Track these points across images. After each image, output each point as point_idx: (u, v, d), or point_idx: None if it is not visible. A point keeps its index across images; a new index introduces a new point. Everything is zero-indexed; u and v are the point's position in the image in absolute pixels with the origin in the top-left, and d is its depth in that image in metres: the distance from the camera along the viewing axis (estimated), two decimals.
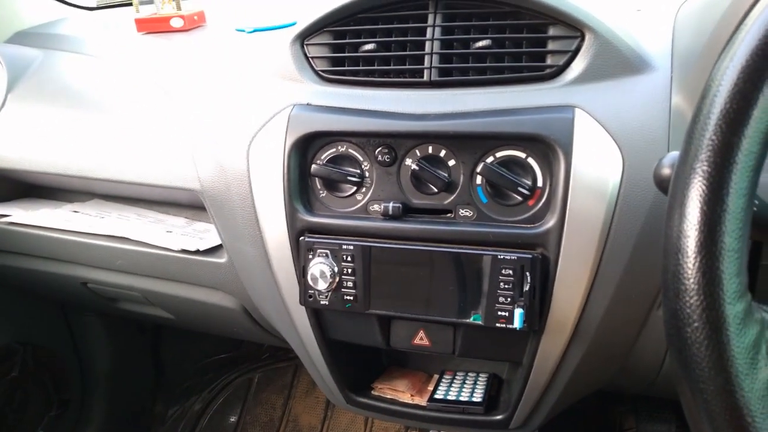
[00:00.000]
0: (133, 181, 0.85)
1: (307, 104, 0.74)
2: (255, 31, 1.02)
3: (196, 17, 1.10)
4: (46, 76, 1.01)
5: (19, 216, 0.97)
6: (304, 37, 0.76)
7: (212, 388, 1.63)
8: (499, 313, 0.68)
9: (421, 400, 0.84)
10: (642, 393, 1.00)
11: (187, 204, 0.94)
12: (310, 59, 0.76)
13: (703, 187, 0.35)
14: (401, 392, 0.86)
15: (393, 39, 0.72)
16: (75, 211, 0.98)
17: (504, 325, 0.68)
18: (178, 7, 1.10)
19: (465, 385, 0.85)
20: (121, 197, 1.00)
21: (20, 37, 1.15)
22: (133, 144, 0.86)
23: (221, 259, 0.85)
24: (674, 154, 0.46)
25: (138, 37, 1.06)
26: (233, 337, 1.33)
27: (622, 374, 0.78)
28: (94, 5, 1.39)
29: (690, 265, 0.35)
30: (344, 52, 0.75)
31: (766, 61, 0.35)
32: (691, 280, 0.35)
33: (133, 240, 0.89)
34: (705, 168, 0.36)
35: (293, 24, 1.06)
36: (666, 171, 0.46)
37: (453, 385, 0.86)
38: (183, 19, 1.07)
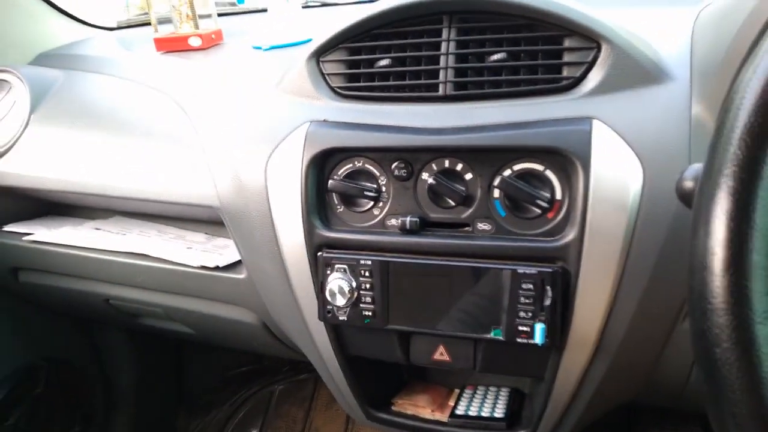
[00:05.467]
0: (153, 199, 0.86)
1: (324, 121, 0.74)
2: (271, 48, 1.03)
3: (213, 36, 1.12)
4: (68, 96, 1.03)
5: (42, 234, 0.98)
6: (319, 54, 0.77)
7: (234, 401, 1.63)
8: (520, 328, 0.67)
9: (443, 416, 0.83)
10: (668, 406, 0.98)
11: (207, 220, 0.95)
12: (325, 76, 0.77)
13: (729, 203, 0.34)
14: (422, 408, 0.85)
15: (408, 54, 0.72)
16: (97, 229, 0.99)
17: (525, 341, 0.67)
18: (196, 26, 1.12)
19: (486, 400, 0.84)
20: (142, 214, 1.02)
21: (43, 59, 1.18)
22: (152, 162, 0.87)
23: (240, 275, 0.86)
24: (697, 167, 0.45)
25: (157, 56, 1.08)
26: (253, 352, 1.34)
27: (647, 388, 0.76)
28: (115, 26, 1.42)
29: (717, 284, 0.34)
30: (359, 68, 0.75)
31: None
32: (719, 299, 0.34)
33: (153, 257, 0.90)
34: (730, 183, 0.35)
35: (309, 41, 1.07)
36: (689, 184, 0.45)
37: (474, 399, 0.85)
38: (201, 38, 1.08)
